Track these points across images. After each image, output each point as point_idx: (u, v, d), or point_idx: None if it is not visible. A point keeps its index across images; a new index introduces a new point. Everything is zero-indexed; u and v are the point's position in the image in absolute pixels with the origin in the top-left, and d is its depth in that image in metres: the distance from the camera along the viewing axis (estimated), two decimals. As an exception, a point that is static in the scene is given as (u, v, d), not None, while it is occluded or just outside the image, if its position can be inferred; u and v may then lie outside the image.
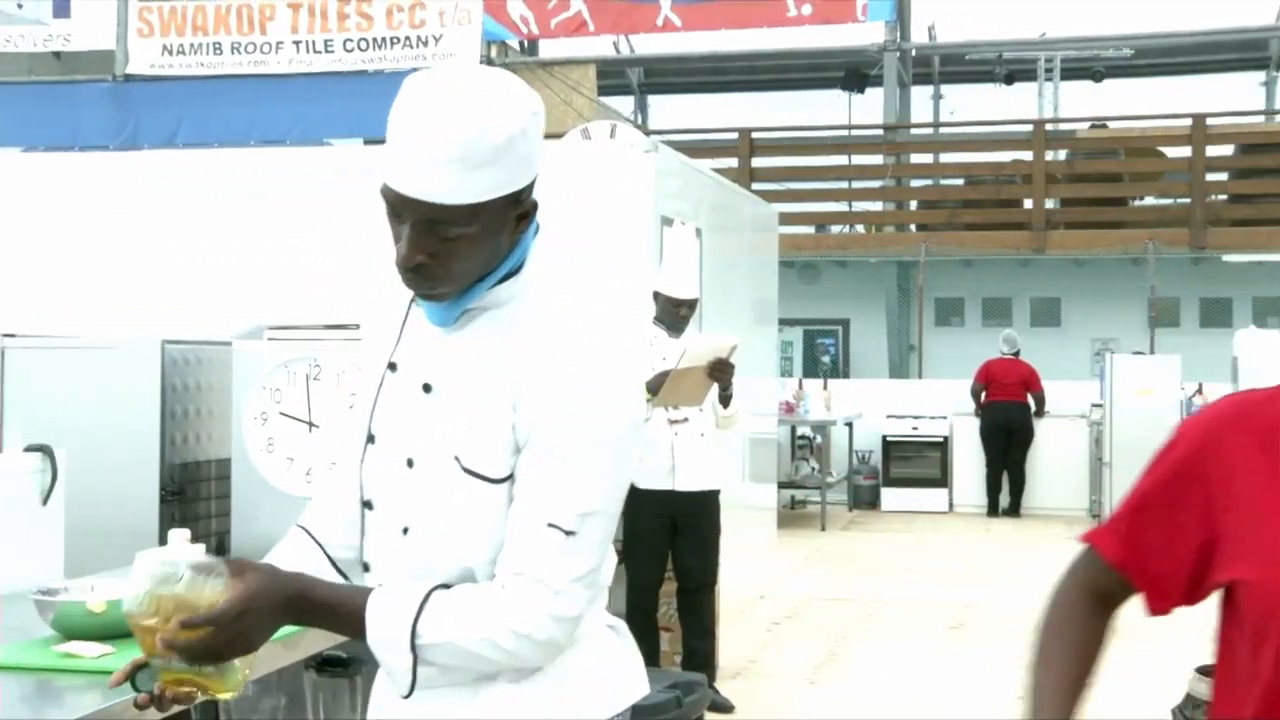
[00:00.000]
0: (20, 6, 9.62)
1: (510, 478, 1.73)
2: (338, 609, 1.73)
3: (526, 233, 1.77)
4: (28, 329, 4.74)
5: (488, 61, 12.96)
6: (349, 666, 3.38)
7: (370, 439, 1.85)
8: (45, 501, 3.40)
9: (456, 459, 1.74)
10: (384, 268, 1.88)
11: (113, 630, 2.63)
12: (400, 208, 1.67)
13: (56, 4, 11.97)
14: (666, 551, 5.61)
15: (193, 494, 4.28)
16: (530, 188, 1.72)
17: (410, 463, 1.79)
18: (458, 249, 1.67)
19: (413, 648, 1.68)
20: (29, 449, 3.43)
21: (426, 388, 1.78)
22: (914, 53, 15.18)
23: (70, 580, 2.96)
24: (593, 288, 1.83)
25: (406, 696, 1.71)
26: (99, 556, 3.57)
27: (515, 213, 1.71)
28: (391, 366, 1.83)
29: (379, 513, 1.84)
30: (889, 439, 12.51)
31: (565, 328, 1.74)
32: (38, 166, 8.00)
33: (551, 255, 1.82)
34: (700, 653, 5.66)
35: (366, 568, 1.88)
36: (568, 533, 1.70)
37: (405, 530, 1.80)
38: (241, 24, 12.98)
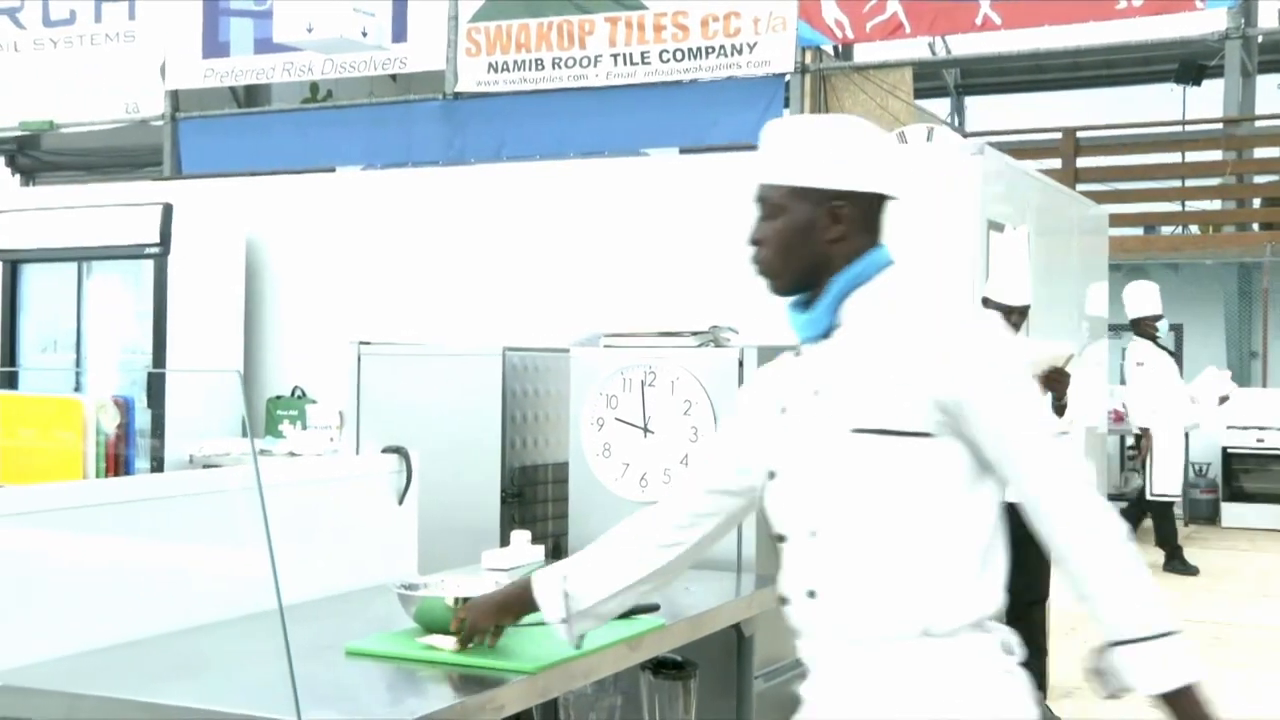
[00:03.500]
0: (365, 34, 10.20)
1: (923, 434, 1.97)
2: None
3: (867, 249, 2.08)
4: (379, 336, 5.02)
5: (802, 68, 12.93)
6: (684, 669, 3.42)
7: (770, 475, 2.14)
8: (401, 501, 3.58)
9: (858, 430, 1.99)
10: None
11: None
12: (756, 198, 2.11)
13: (395, 29, 12.65)
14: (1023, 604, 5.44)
15: (531, 496, 4.42)
16: (849, 200, 2.05)
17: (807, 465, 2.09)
18: (778, 230, 2.06)
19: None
20: (386, 450, 3.61)
21: (816, 393, 2.07)
22: (1260, 39, 14.23)
23: (426, 576, 3.10)
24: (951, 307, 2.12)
25: None
26: (447, 554, 3.74)
27: (827, 215, 2.05)
28: (782, 410, 2.13)
29: (791, 538, 2.10)
30: (1230, 451, 11.79)
31: (959, 322, 2.04)
32: (376, 183, 8.48)
33: (907, 290, 2.11)
34: (1032, 670, 5.45)
35: (812, 595, 2.08)
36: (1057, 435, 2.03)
37: (813, 534, 2.07)
38: (562, 39, 13.38)
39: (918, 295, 2.08)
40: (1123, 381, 14.77)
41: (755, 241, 2.10)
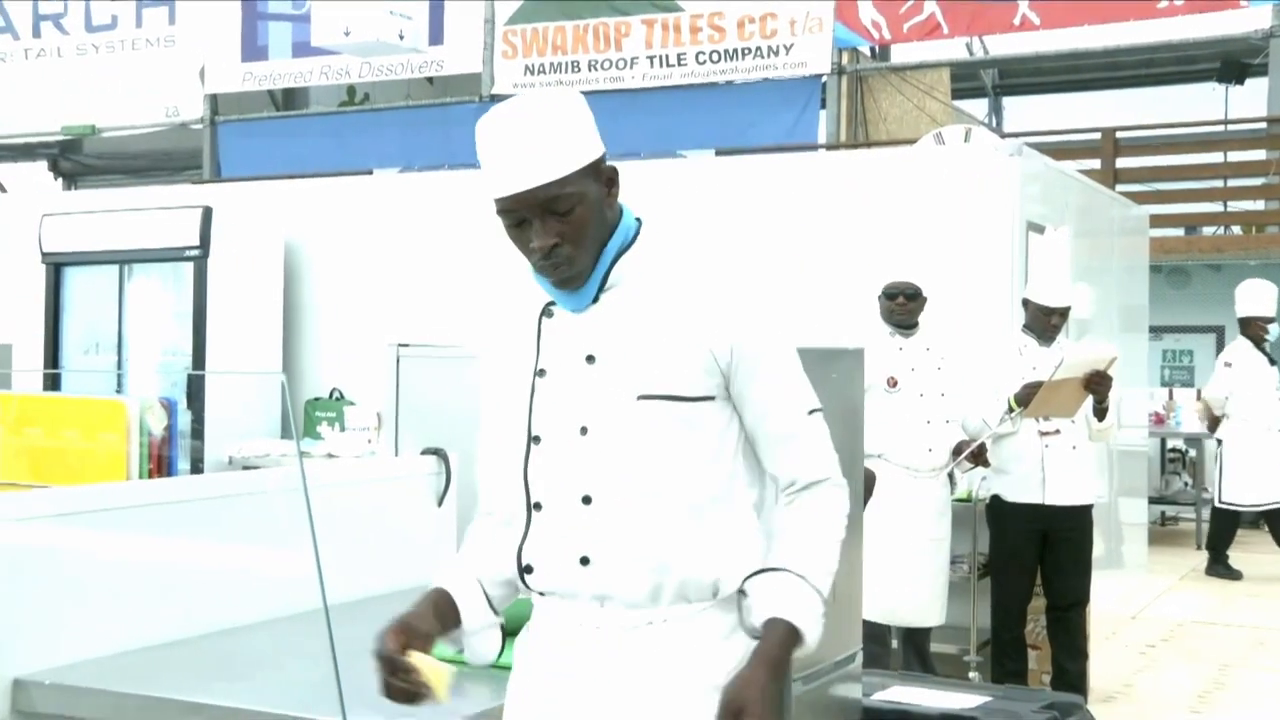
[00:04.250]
0: (402, 37, 10.25)
1: (707, 398, 1.98)
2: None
3: (624, 208, 2.05)
4: (417, 338, 5.03)
5: (839, 69, 12.89)
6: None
7: (535, 440, 2.01)
8: (440, 503, 3.59)
9: (644, 396, 1.96)
10: (493, 297, 2.19)
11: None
12: (521, 208, 1.95)
13: (432, 32, 12.71)
14: (1036, 567, 5.42)
15: (568, 497, 4.41)
16: (604, 158, 2.00)
17: (584, 430, 1.98)
18: (576, 219, 1.95)
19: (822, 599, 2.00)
20: (425, 452, 3.63)
21: (590, 359, 2.00)
22: (1305, 37, 14.09)
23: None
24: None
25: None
26: (485, 556, 3.75)
27: (603, 178, 1.99)
28: (541, 373, 2.02)
29: (551, 502, 2.00)
30: (1273, 454, 11.62)
31: (730, 277, 2.04)
32: (413, 185, 8.51)
33: (656, 241, 2.07)
34: (1071, 673, 5.43)
35: (529, 569, 2.03)
36: (812, 411, 2.06)
37: (587, 499, 1.98)
38: (598, 41, 13.40)
39: (680, 252, 2.06)
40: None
41: (553, 246, 1.95)
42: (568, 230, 1.95)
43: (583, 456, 1.98)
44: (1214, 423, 9.63)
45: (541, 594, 2.07)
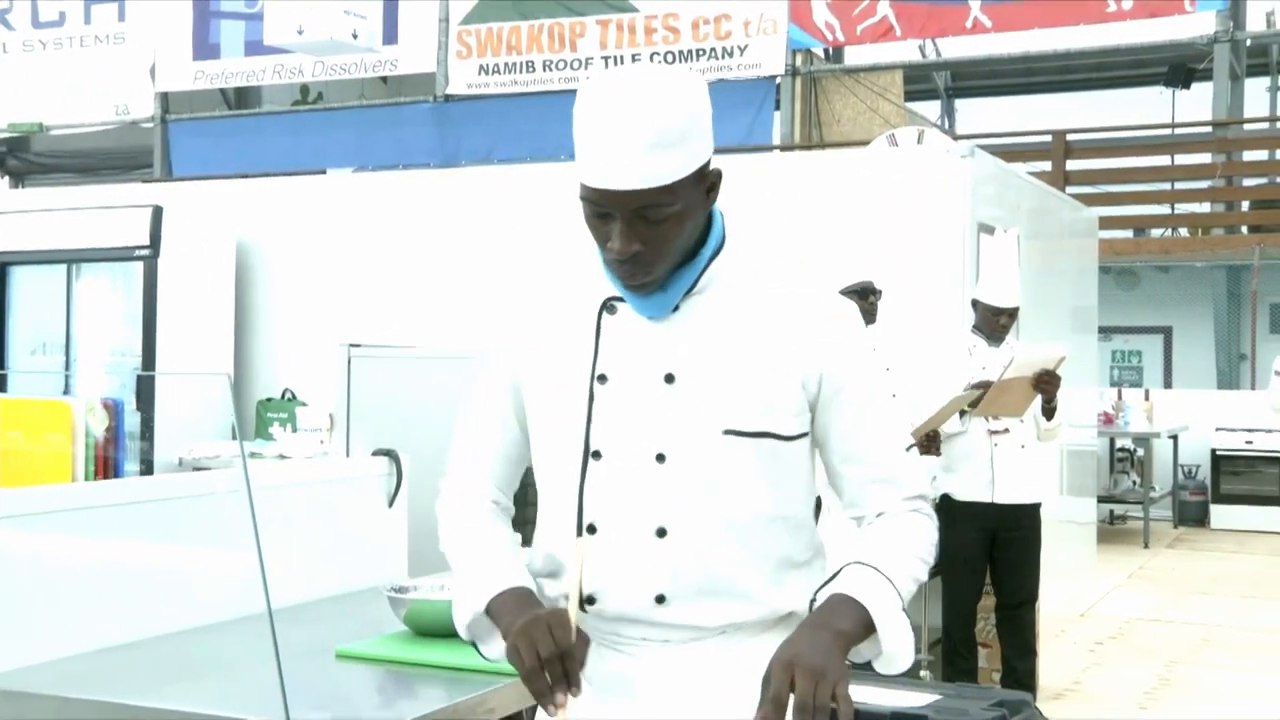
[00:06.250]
0: (356, 36, 10.20)
1: (800, 435, 1.82)
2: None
3: (716, 210, 1.84)
4: (369, 338, 5.02)
5: (793, 71, 12.95)
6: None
7: (595, 455, 1.80)
8: (391, 504, 3.58)
9: (731, 431, 1.77)
10: (519, 288, 1.97)
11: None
12: (608, 204, 1.71)
13: (386, 31, 12.65)
14: (986, 566, 5.46)
15: (521, 499, 4.40)
16: (711, 160, 1.77)
17: (661, 458, 1.78)
18: (666, 230, 1.72)
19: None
20: (376, 453, 3.61)
21: (669, 378, 1.78)
22: (1248, 42, 14.28)
23: (417, 579, 3.10)
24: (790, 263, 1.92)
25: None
26: (437, 557, 3.73)
27: (705, 185, 1.76)
28: (601, 379, 1.80)
29: (614, 528, 1.79)
30: (1219, 453, 11.80)
31: (818, 293, 1.85)
32: (367, 185, 8.47)
33: (741, 244, 1.88)
34: (1021, 671, 5.47)
35: (592, 599, 1.80)
36: (909, 447, 1.88)
37: (662, 532, 1.78)
38: (553, 42, 13.39)
39: (762, 256, 1.86)
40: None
41: (635, 253, 1.72)
42: (654, 239, 1.72)
43: (657, 486, 1.78)
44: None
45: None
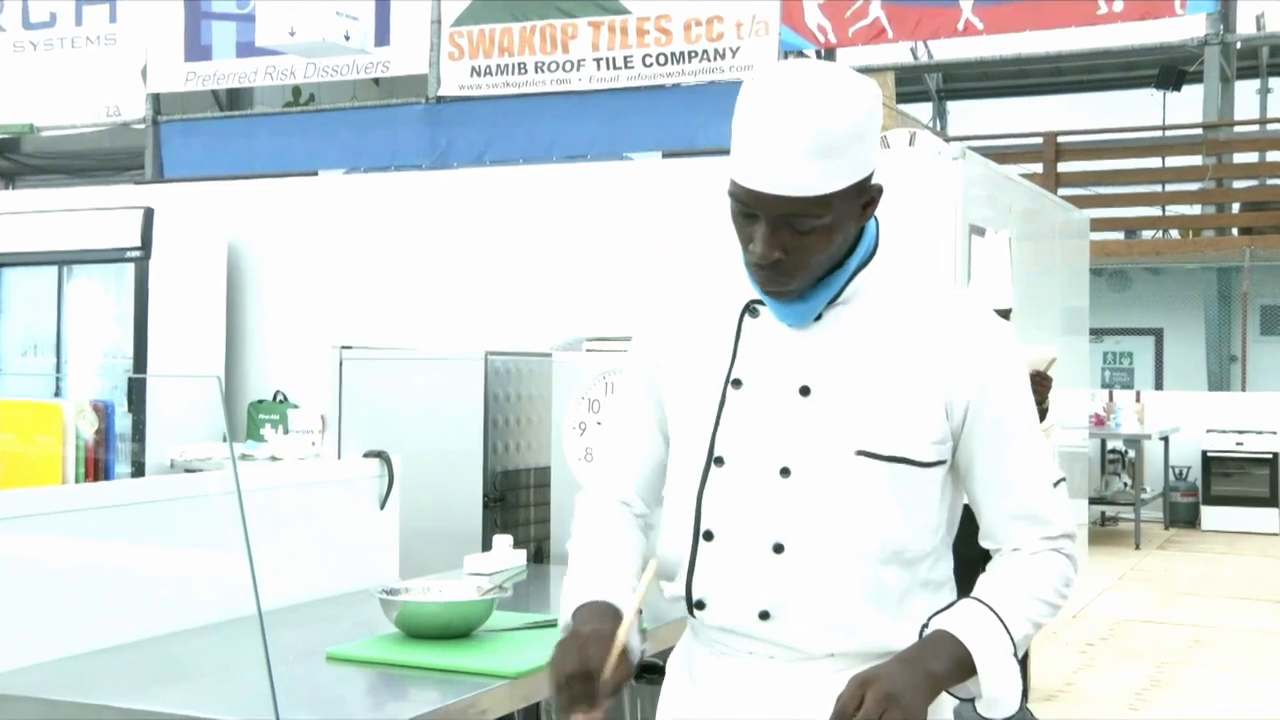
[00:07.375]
0: (348, 38, 10.17)
1: (937, 463, 1.73)
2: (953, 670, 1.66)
3: (871, 221, 1.75)
4: (361, 340, 5.01)
5: (785, 72, 12.95)
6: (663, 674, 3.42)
7: (718, 462, 1.75)
8: (383, 505, 3.57)
9: (864, 452, 1.69)
10: (664, 285, 1.94)
11: (451, 629, 2.73)
12: (755, 205, 1.65)
13: (378, 32, 12.63)
14: (979, 567, 5.46)
15: (513, 501, 4.41)
16: (873, 174, 1.69)
17: (786, 472, 1.72)
18: (813, 242, 1.66)
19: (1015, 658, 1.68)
20: (368, 455, 3.60)
21: (805, 390, 1.72)
22: (1238, 45, 14.32)
23: (408, 580, 3.09)
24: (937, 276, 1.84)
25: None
26: (428, 558, 3.74)
27: (862, 200, 1.69)
28: (735, 383, 1.75)
29: (731, 537, 1.75)
30: (1210, 454, 11.84)
31: (971, 312, 1.76)
32: (359, 187, 8.45)
33: (891, 255, 1.81)
34: (1013, 673, 5.48)
35: (701, 604, 1.77)
36: (1058, 482, 1.78)
37: (779, 548, 1.72)
38: (545, 43, 13.38)
39: (911, 268, 1.79)
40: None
41: (776, 260, 1.66)
42: (798, 248, 1.66)
43: (780, 500, 1.71)
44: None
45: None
